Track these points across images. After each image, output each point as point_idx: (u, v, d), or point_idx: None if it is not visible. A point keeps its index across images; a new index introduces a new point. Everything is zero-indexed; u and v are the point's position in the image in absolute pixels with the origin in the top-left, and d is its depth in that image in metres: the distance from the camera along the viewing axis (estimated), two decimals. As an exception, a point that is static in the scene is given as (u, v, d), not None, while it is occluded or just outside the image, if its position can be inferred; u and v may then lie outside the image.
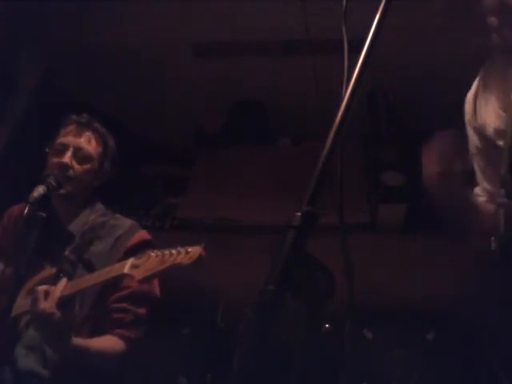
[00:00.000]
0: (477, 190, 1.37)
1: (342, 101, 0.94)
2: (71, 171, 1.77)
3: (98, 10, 3.03)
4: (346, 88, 0.94)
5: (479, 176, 1.35)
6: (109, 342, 1.66)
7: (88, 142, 1.84)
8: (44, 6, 2.97)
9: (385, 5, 1.00)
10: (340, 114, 0.93)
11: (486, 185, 1.33)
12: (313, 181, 0.88)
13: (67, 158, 1.78)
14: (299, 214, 0.86)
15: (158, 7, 2.99)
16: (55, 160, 1.78)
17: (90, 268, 1.71)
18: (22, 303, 1.61)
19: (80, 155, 1.81)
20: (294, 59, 3.34)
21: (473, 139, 1.34)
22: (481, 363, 2.62)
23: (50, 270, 1.70)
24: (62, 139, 1.83)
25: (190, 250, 1.34)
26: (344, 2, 1.11)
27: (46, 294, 1.47)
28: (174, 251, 1.36)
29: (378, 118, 3.56)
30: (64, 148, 1.80)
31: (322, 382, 2.67)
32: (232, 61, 3.44)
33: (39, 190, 1.60)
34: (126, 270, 1.42)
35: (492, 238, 1.20)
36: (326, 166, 0.89)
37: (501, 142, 1.17)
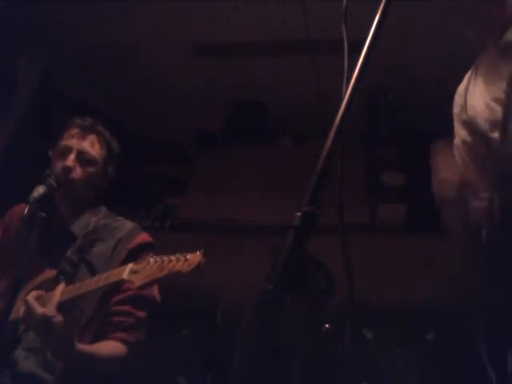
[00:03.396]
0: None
1: (341, 101, 0.94)
2: (74, 174, 1.77)
3: (98, 10, 3.04)
4: (346, 88, 0.94)
5: (462, 170, 1.34)
6: (111, 347, 1.65)
7: (91, 146, 1.83)
8: (44, 6, 2.98)
9: (385, 5, 1.00)
10: (340, 113, 0.93)
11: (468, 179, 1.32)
12: (313, 181, 0.88)
13: (70, 161, 1.77)
14: (299, 213, 0.86)
15: (158, 7, 2.99)
16: (59, 164, 1.78)
17: (91, 269, 1.70)
18: (22, 306, 1.61)
19: (83, 158, 1.80)
20: (293, 59, 3.34)
21: (460, 132, 1.32)
22: (479, 363, 2.62)
23: (50, 272, 1.69)
24: (65, 142, 1.82)
25: (188, 257, 1.32)
26: (344, 2, 1.11)
27: (42, 301, 1.46)
28: (172, 258, 1.35)
29: (378, 118, 3.56)
30: (67, 151, 1.80)
31: (322, 382, 2.67)
32: (232, 61, 3.44)
33: (39, 190, 1.59)
34: (124, 276, 1.41)
35: (483, 232, 1.20)
36: (326, 165, 0.89)
37: (493, 134, 1.16)
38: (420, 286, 2.99)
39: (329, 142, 0.91)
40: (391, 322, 2.98)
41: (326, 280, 2.58)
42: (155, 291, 1.78)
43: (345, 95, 0.94)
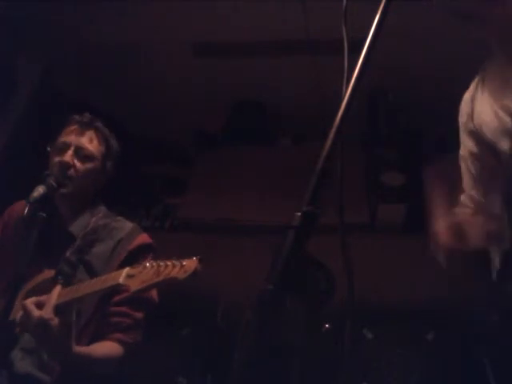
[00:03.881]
0: (463, 198, 1.33)
1: (341, 101, 0.94)
2: (72, 170, 1.75)
3: (98, 10, 3.04)
4: (346, 88, 0.94)
5: (467, 183, 1.31)
6: (108, 348, 1.65)
7: (90, 141, 1.82)
8: (44, 6, 2.98)
9: (385, 5, 0.99)
10: (340, 113, 0.93)
11: (473, 193, 1.29)
12: (313, 181, 0.88)
13: (68, 156, 1.76)
14: (299, 213, 0.86)
15: (158, 7, 2.99)
16: (56, 159, 1.77)
17: (90, 270, 1.70)
18: (20, 306, 1.60)
19: (81, 154, 1.79)
20: (293, 59, 3.34)
21: (466, 143, 1.29)
22: (479, 363, 2.62)
23: (49, 272, 1.68)
24: (63, 138, 1.82)
25: (185, 263, 1.31)
26: (344, 2, 1.10)
27: (38, 305, 1.46)
28: (169, 263, 1.34)
29: (378, 118, 3.56)
30: (65, 147, 1.79)
31: (322, 382, 2.67)
32: (232, 61, 3.44)
33: (39, 190, 1.59)
34: (121, 280, 1.40)
35: (492, 253, 1.19)
36: (326, 165, 0.89)
37: (502, 145, 1.14)
38: (420, 286, 2.99)
39: (329, 142, 0.91)
40: (391, 322, 2.97)
41: (326, 280, 2.58)
42: (153, 292, 1.77)
43: (345, 95, 0.94)
